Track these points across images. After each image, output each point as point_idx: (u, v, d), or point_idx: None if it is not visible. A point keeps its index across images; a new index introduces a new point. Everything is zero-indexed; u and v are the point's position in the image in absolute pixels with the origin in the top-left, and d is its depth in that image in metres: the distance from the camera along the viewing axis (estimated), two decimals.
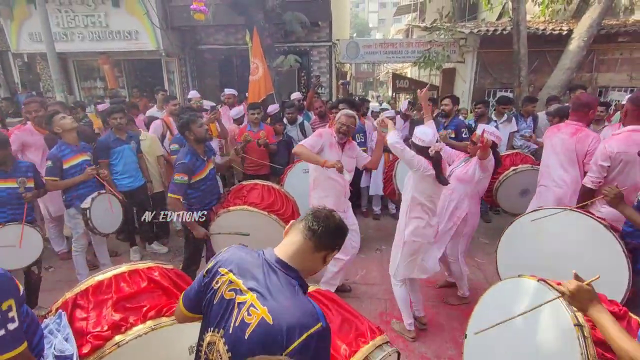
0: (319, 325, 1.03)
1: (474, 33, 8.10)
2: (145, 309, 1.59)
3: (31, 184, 3.09)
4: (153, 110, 5.68)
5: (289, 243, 1.18)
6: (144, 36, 8.04)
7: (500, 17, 11.13)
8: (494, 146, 2.99)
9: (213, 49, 9.16)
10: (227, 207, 3.26)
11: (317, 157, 3.04)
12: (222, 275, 1.16)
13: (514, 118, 5.33)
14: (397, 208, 5.48)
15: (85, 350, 1.48)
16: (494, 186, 4.38)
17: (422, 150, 2.75)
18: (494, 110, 5.49)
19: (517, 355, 1.76)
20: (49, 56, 6.49)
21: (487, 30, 7.85)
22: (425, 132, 2.75)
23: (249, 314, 1.06)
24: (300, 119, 5.14)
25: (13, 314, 1.20)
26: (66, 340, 1.47)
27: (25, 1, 7.91)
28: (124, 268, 1.75)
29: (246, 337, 1.03)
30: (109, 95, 9.53)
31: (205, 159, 3.20)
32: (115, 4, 7.81)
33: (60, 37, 7.94)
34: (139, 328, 1.54)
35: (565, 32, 7.42)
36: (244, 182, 3.66)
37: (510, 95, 7.41)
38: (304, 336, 0.99)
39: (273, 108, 5.52)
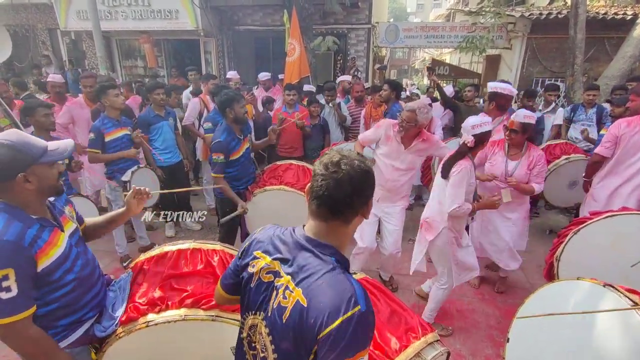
0: (357, 308, 0.91)
1: (524, 17, 7.57)
2: (185, 294, 1.54)
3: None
4: (186, 92, 5.75)
5: (313, 223, 1.06)
6: (184, 15, 8.11)
7: (552, 2, 10.36)
8: (527, 128, 2.87)
9: (250, 29, 9.12)
10: (263, 187, 3.24)
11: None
12: (258, 258, 1.10)
13: (560, 109, 4.95)
14: None
15: (123, 318, 1.49)
16: None
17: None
18: (542, 99, 5.12)
19: None
20: (94, 34, 6.68)
21: (540, 14, 7.30)
22: (476, 120, 2.54)
23: (284, 297, 0.99)
24: (338, 100, 5.02)
25: (9, 283, 1.20)
26: (123, 301, 1.55)
27: None
28: (189, 244, 1.72)
29: (283, 321, 0.97)
30: (149, 74, 9.81)
31: (241, 137, 3.18)
32: None
33: (105, 16, 8.15)
34: (171, 313, 1.48)
35: (630, 16, 6.78)
36: (279, 162, 3.62)
37: (560, 84, 6.91)
38: (339, 320, 0.89)
39: (308, 87, 5.44)
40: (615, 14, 7.05)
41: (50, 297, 1.36)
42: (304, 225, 1.09)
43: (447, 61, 14.45)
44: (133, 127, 3.71)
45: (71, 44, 9.66)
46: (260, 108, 5.02)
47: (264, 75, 6.11)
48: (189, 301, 1.51)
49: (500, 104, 3.50)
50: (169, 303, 1.51)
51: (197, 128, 4.68)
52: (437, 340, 1.51)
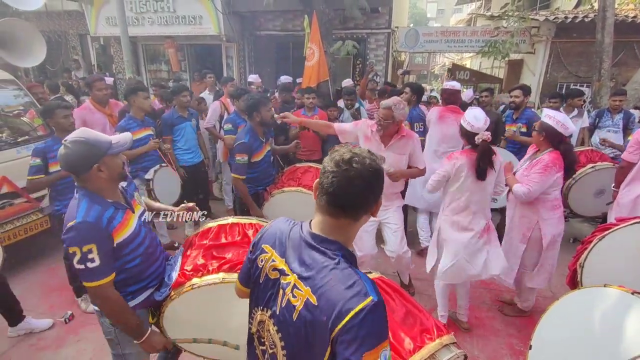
0: (368, 299, 0.89)
1: (549, 20, 7.40)
2: (223, 261, 1.72)
3: None
4: (205, 94, 5.92)
5: (320, 219, 1.04)
6: (207, 21, 8.31)
7: (578, 5, 10.10)
8: (545, 129, 2.67)
9: (271, 34, 9.26)
10: (281, 188, 3.28)
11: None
12: (266, 253, 1.11)
13: (585, 113, 4.83)
14: None
15: (174, 283, 1.73)
16: (564, 185, 3.98)
17: (468, 136, 2.56)
18: (565, 104, 5.01)
19: None
20: (122, 39, 6.92)
21: (566, 18, 7.13)
22: (477, 117, 2.50)
23: (294, 296, 0.99)
24: (356, 105, 5.04)
25: (93, 255, 1.47)
26: (175, 270, 1.79)
27: None
28: (230, 220, 1.93)
29: (294, 320, 0.98)
30: (172, 78, 10.09)
31: (264, 140, 3.23)
32: None
33: (132, 22, 8.44)
34: (212, 277, 1.67)
35: None
36: (298, 165, 3.66)
37: (586, 89, 6.71)
38: (351, 314, 0.87)
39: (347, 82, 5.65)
40: None
41: (122, 268, 1.62)
42: (310, 221, 1.08)
43: (468, 66, 14.26)
44: (156, 128, 3.83)
45: (100, 49, 10.04)
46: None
47: (285, 78, 6.22)
48: (226, 266, 1.69)
49: (443, 97, 4.24)
50: (210, 269, 1.71)
51: (218, 131, 4.78)
52: (454, 343, 1.48)
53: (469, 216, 2.65)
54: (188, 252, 1.86)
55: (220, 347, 1.85)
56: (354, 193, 0.98)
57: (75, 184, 1.60)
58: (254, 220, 1.94)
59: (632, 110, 4.81)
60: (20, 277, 3.56)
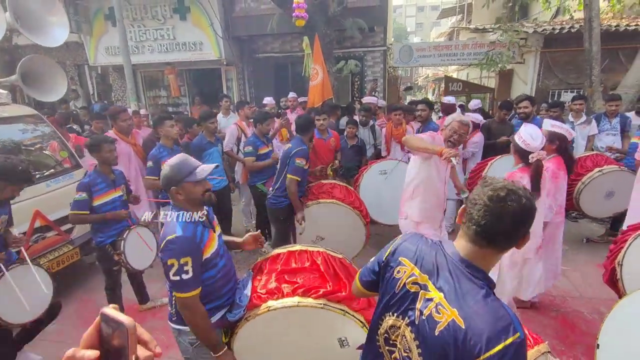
0: (516, 335, 0.95)
1: (537, 32, 7.81)
2: (297, 285, 1.79)
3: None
4: (219, 117, 5.99)
5: (465, 245, 1.10)
6: (208, 46, 8.46)
7: (556, 15, 10.65)
8: (553, 138, 2.83)
9: (269, 57, 9.47)
10: (316, 199, 3.45)
11: (432, 145, 2.63)
12: (404, 266, 1.17)
13: (594, 120, 5.07)
14: None
15: (248, 305, 1.79)
16: (574, 189, 4.18)
17: (521, 154, 2.55)
18: (570, 111, 5.26)
19: None
20: (125, 68, 7.04)
21: (554, 29, 7.54)
22: (534, 135, 2.47)
23: (437, 312, 1.05)
24: (371, 122, 5.21)
25: (188, 268, 1.60)
26: (247, 293, 1.85)
27: (104, 18, 8.63)
28: (297, 247, 2.01)
29: (436, 334, 1.04)
30: (171, 103, 10.17)
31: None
32: (182, 17, 8.31)
33: (132, 50, 8.51)
34: (287, 300, 1.73)
35: None
36: (324, 181, 3.81)
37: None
38: (499, 347, 0.94)
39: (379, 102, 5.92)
40: (628, 25, 7.25)
41: (204, 284, 1.72)
42: (453, 242, 1.15)
43: (454, 76, 14.71)
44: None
45: (99, 77, 10.09)
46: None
47: (291, 95, 6.41)
48: (300, 291, 1.76)
49: (442, 109, 5.20)
50: (285, 292, 1.77)
51: (235, 153, 4.85)
52: (549, 352, 1.53)
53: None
54: (259, 277, 1.92)
55: None
56: (504, 229, 1.03)
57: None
58: (321, 249, 2.01)
59: (627, 114, 5.09)
60: None
